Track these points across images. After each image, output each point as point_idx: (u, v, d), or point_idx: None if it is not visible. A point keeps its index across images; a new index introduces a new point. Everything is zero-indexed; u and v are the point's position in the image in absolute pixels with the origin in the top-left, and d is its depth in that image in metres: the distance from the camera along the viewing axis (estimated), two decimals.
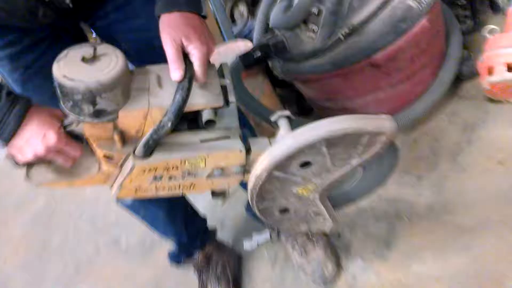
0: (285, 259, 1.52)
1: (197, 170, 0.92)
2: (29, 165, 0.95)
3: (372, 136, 0.80)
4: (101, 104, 0.79)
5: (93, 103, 0.79)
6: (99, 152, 0.89)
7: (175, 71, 0.81)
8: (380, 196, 1.51)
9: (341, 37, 1.40)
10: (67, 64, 0.78)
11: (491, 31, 1.53)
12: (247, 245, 1.61)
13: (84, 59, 0.79)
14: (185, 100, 0.80)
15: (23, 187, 2.56)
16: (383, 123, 0.78)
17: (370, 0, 1.39)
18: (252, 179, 0.88)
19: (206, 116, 0.87)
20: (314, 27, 1.45)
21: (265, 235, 1.59)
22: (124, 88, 0.81)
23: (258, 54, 1.58)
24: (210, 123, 0.88)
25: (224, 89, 0.90)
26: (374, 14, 1.38)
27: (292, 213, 1.00)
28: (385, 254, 1.36)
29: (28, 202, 2.51)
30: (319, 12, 1.42)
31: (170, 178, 0.92)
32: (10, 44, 0.98)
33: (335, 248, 1.44)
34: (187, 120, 0.93)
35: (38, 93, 0.98)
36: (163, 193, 0.96)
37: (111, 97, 0.79)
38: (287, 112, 0.94)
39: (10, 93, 0.84)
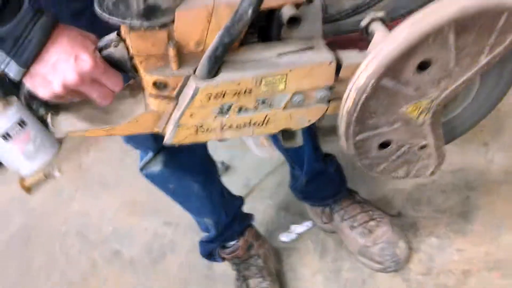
0: (335, 248, 1.28)
1: (274, 96, 0.69)
2: (54, 111, 0.71)
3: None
4: None
5: None
6: (148, 79, 0.65)
7: None
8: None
9: None
10: None
11: None
12: (284, 236, 1.36)
13: None
14: None
15: None
16: None
17: None
18: (350, 95, 0.67)
19: (287, 12, 0.65)
20: None
21: (306, 224, 1.35)
22: None
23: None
24: (294, 22, 0.66)
25: None
26: None
27: (393, 147, 0.78)
28: (464, 228, 1.15)
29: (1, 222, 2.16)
30: None
31: (240, 110, 0.70)
32: None
33: (400, 227, 1.21)
34: (256, 30, 0.71)
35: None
36: (230, 133, 0.73)
37: None
38: (380, 13, 0.73)
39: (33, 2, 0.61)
